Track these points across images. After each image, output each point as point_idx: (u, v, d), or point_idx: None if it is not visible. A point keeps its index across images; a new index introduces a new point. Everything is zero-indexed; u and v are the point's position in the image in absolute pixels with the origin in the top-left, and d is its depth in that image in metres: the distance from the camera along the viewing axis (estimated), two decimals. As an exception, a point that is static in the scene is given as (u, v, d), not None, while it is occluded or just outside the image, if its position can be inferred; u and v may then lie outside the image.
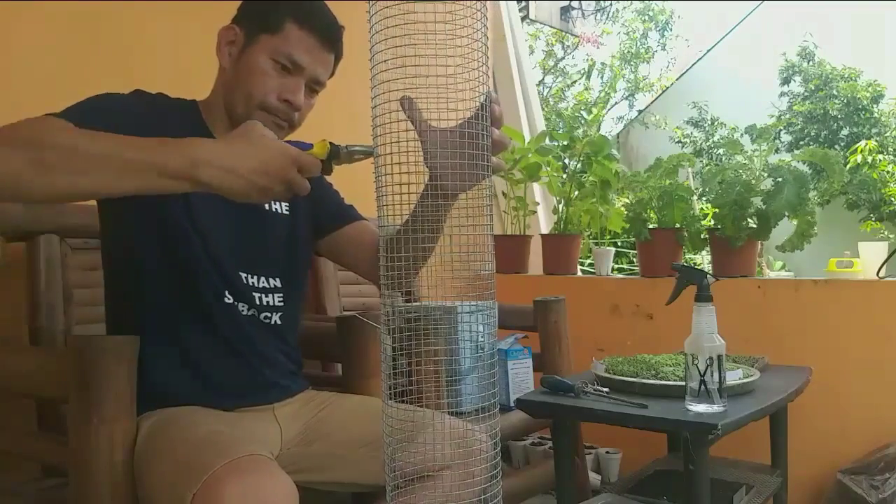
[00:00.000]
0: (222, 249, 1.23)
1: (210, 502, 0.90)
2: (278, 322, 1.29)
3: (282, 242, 1.32)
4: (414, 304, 1.00)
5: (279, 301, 1.30)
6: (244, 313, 1.25)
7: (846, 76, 9.64)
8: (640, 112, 13.64)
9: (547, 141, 2.87)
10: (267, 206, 1.31)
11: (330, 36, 1.25)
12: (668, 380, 1.53)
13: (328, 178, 1.46)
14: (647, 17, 15.29)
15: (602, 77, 15.17)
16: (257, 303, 1.26)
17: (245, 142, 0.97)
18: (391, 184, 0.88)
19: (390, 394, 0.90)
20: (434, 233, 1.05)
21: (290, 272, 1.32)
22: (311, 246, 1.41)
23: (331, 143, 1.03)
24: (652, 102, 13.44)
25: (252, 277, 1.27)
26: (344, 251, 1.41)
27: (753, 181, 2.28)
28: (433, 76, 0.84)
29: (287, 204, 1.34)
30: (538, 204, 3.22)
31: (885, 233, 6.84)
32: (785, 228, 2.29)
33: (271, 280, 1.29)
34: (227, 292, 1.23)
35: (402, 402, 0.93)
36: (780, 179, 2.22)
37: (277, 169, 0.96)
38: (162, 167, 0.92)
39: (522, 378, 2.04)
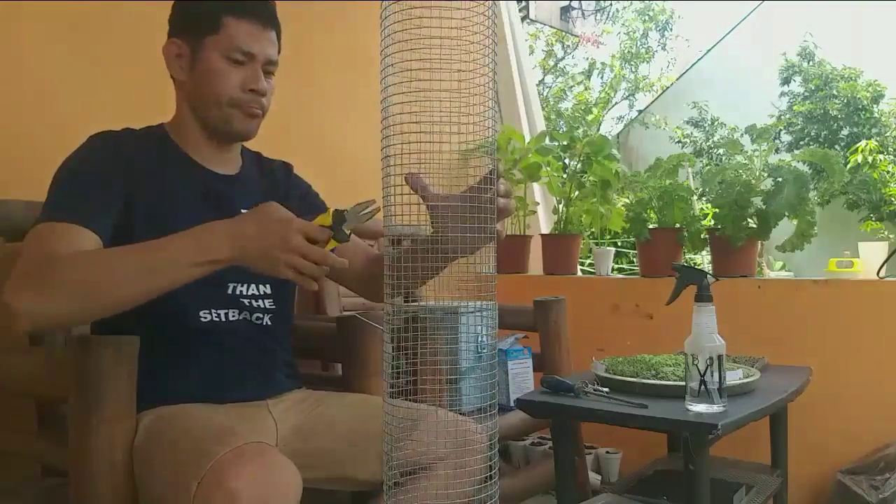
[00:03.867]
0: None
1: (215, 489, 0.90)
2: (269, 323, 1.31)
3: None
4: (415, 304, 1.01)
5: (270, 305, 1.32)
6: (233, 319, 1.26)
7: (846, 76, 9.64)
8: (640, 112, 13.63)
9: (547, 141, 2.86)
10: None
11: (266, 15, 1.29)
12: (668, 380, 1.53)
13: (315, 190, 1.48)
14: (647, 17, 15.28)
15: (602, 77, 15.18)
16: (247, 306, 1.28)
17: (251, 214, 1.09)
18: (397, 185, 0.91)
19: (391, 392, 0.90)
20: (433, 273, 1.10)
21: (279, 280, 1.33)
22: None
23: (335, 209, 1.09)
24: (652, 102, 13.43)
25: (241, 286, 1.28)
26: None
27: (753, 181, 2.28)
28: (442, 80, 0.85)
29: None
30: (538, 204, 3.22)
31: (885, 233, 6.83)
32: (785, 228, 2.29)
33: (261, 287, 1.31)
34: (214, 305, 1.24)
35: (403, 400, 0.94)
36: (780, 179, 2.22)
37: (275, 230, 1.05)
38: (183, 260, 1.05)
39: (522, 378, 2.04)
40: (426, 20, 0.84)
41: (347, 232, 1.09)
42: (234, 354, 1.26)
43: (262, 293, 1.31)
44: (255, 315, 1.29)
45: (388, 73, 0.87)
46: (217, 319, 1.25)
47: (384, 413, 0.91)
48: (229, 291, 1.27)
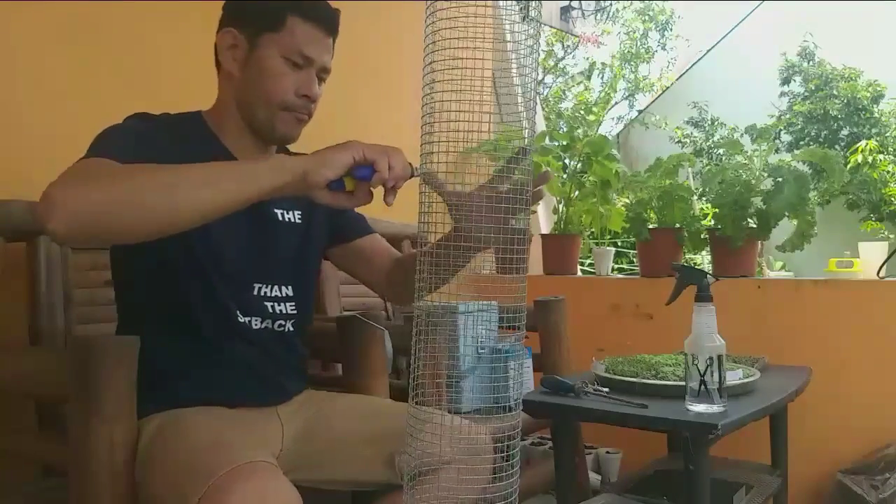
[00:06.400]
0: (234, 263, 1.23)
1: None
2: (291, 329, 1.31)
3: (294, 251, 1.33)
4: (439, 303, 1.00)
5: (291, 309, 1.31)
6: (255, 327, 1.25)
7: (846, 76, 9.62)
8: (640, 112, 13.62)
9: (547, 141, 2.87)
10: (279, 215, 1.31)
11: (330, 21, 1.26)
12: (668, 380, 1.53)
13: None
14: (647, 17, 15.28)
15: (602, 77, 15.17)
16: (270, 312, 1.27)
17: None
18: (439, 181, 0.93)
19: (413, 394, 0.91)
20: (456, 269, 1.07)
21: (301, 280, 1.34)
22: (322, 254, 1.43)
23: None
24: (652, 102, 13.42)
25: (265, 287, 1.27)
26: (356, 264, 1.44)
27: (753, 181, 2.28)
28: (479, 79, 0.86)
29: (299, 212, 1.34)
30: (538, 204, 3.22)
31: (885, 233, 6.83)
32: (785, 228, 2.29)
33: (283, 289, 1.30)
34: (238, 311, 1.23)
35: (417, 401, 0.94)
36: (780, 179, 2.22)
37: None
38: (255, 169, 0.99)
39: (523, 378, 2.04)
40: (462, 19, 0.85)
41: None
42: (252, 365, 1.25)
43: (284, 295, 1.30)
44: (278, 322, 1.28)
45: (429, 71, 0.88)
46: (248, 324, 1.24)
47: (408, 412, 0.91)
48: (255, 293, 1.26)
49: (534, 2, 0.89)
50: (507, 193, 0.97)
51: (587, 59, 15.46)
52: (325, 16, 1.24)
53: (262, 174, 0.98)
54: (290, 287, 1.31)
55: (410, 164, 1.04)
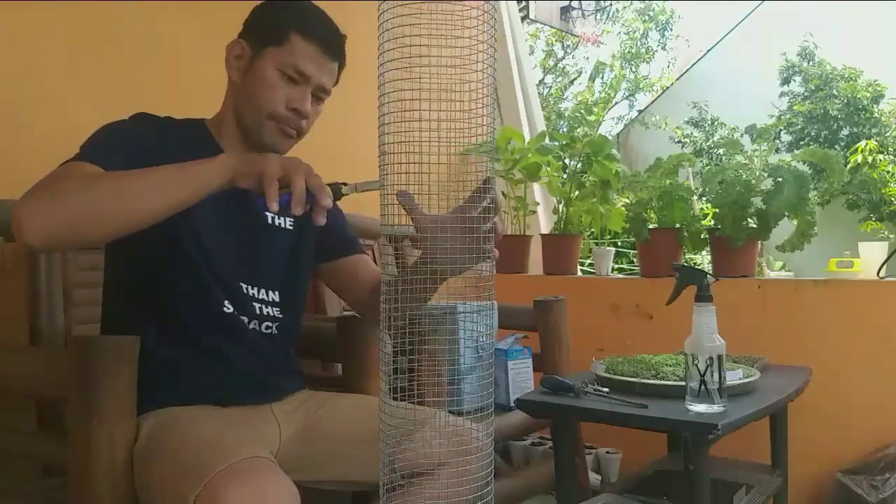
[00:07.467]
0: (223, 260, 1.24)
1: None
2: (275, 332, 1.31)
3: (282, 256, 1.34)
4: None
5: (276, 313, 1.31)
6: (246, 323, 1.26)
7: (846, 76, 9.63)
8: (640, 112, 13.63)
9: (547, 141, 2.87)
10: (269, 219, 1.32)
11: (333, 45, 1.29)
12: (668, 380, 1.53)
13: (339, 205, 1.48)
14: (647, 17, 15.28)
15: (602, 77, 15.18)
16: (257, 313, 1.28)
17: None
18: (397, 183, 0.91)
19: (388, 390, 0.90)
20: (421, 301, 1.05)
21: (288, 286, 1.34)
22: (313, 264, 1.43)
23: (332, 183, 1.06)
24: (652, 102, 13.43)
25: (252, 288, 1.28)
26: (340, 282, 1.44)
27: (753, 181, 2.28)
28: (438, 77, 0.85)
29: (291, 219, 1.35)
30: (538, 204, 3.22)
31: (885, 233, 6.83)
32: (785, 228, 2.29)
33: (270, 293, 1.31)
34: (227, 301, 1.24)
35: (401, 400, 0.94)
36: (780, 179, 2.22)
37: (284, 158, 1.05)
38: (205, 167, 1.04)
39: (522, 378, 2.04)
40: (423, 14, 0.84)
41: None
42: (242, 362, 1.25)
43: (270, 300, 1.30)
44: (265, 324, 1.29)
45: (386, 70, 0.87)
46: (237, 316, 1.25)
47: (381, 415, 0.91)
48: (243, 291, 1.27)
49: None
50: (479, 223, 0.96)
51: (587, 58, 15.49)
52: (329, 39, 1.28)
53: (212, 172, 1.04)
54: (276, 292, 1.31)
55: (338, 184, 1.06)
